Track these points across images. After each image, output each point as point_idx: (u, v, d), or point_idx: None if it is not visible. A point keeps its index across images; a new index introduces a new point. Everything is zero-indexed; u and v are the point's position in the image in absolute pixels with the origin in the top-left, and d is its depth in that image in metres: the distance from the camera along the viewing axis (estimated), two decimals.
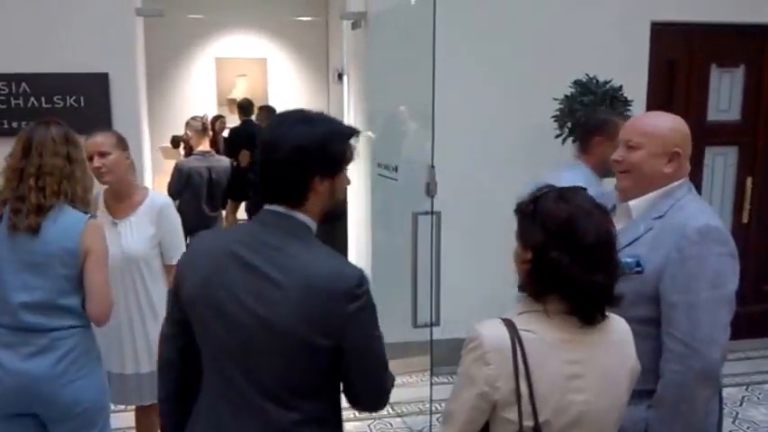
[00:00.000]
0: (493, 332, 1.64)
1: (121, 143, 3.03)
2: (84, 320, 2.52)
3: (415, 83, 4.18)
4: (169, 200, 3.23)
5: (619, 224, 2.20)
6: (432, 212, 4.05)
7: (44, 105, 4.42)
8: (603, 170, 3.10)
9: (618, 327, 1.74)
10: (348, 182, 1.77)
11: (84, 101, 4.46)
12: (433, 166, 4.05)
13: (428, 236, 4.06)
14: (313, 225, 1.70)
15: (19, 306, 2.41)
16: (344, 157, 1.70)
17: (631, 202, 2.21)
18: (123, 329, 3.04)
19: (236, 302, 1.65)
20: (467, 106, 4.66)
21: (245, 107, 7.79)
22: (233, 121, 8.29)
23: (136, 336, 3.06)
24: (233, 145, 7.47)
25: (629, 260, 2.06)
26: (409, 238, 4.09)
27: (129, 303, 3.03)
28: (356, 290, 1.61)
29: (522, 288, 1.70)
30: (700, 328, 2.00)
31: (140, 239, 3.00)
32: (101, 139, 2.98)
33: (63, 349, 2.45)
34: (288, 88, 9.64)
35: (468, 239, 4.68)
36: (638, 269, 2.07)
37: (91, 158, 2.89)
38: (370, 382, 1.72)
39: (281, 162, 1.64)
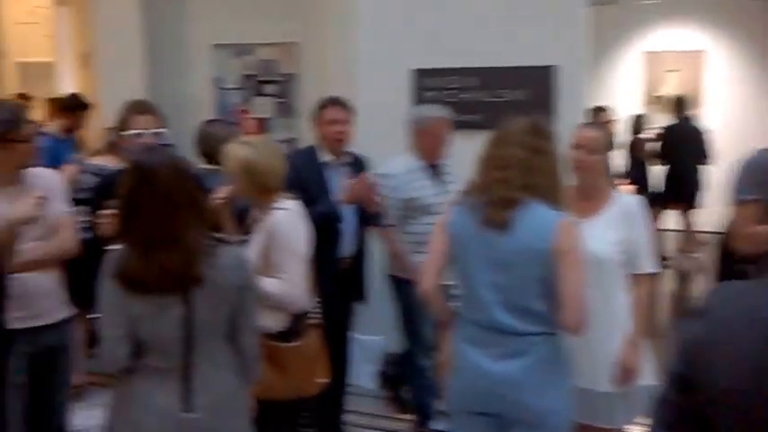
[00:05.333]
0: None
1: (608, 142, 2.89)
2: (552, 327, 2.32)
3: None
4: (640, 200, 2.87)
5: None
6: None
7: None
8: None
9: None
10: None
11: None
12: None
13: None
14: None
15: (492, 304, 2.31)
16: None
17: None
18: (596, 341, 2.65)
19: None
20: None
21: None
22: None
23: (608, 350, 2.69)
24: None
25: None
26: None
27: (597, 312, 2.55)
28: None
29: None
30: None
31: (606, 242, 2.69)
32: (591, 133, 2.76)
33: (535, 355, 2.31)
34: None
35: None
36: None
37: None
38: None
39: None
